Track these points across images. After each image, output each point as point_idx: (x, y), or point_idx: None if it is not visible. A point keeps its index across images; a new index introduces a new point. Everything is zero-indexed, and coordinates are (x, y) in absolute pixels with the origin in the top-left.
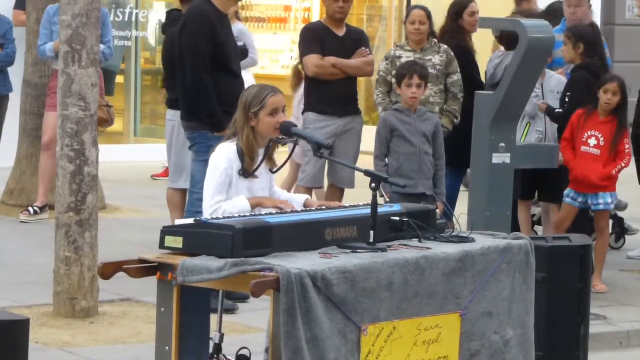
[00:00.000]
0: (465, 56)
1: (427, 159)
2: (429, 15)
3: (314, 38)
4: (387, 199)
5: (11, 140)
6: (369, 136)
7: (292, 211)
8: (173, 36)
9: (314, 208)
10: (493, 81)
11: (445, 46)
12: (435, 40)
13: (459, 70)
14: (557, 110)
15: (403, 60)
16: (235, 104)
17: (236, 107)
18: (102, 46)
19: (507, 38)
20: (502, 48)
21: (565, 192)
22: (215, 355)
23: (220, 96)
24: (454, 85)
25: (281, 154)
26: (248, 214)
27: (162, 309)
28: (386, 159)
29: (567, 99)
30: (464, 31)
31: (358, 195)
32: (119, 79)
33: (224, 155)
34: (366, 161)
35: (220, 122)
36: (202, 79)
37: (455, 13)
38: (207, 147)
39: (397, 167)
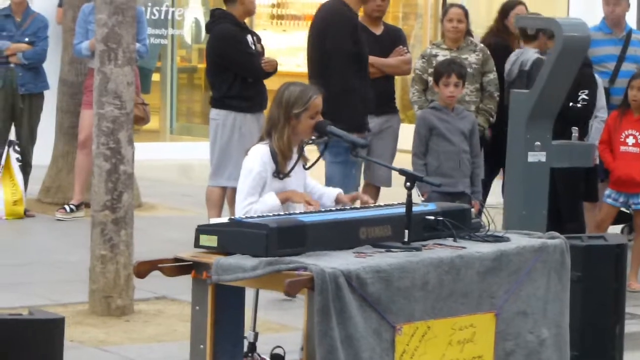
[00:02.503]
0: (504, 55)
1: (465, 158)
2: (466, 14)
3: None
4: (423, 199)
5: (48, 138)
6: (405, 135)
7: (326, 210)
8: (217, 34)
9: (347, 205)
10: (510, 79)
11: (482, 45)
12: (472, 39)
13: (495, 69)
14: (572, 105)
15: (439, 58)
16: (368, 105)
17: (369, 110)
18: (137, 44)
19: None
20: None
21: (606, 192)
22: (249, 354)
23: (362, 98)
24: (490, 84)
25: (311, 152)
26: (282, 213)
27: (197, 307)
28: (425, 158)
29: (585, 96)
30: (508, 31)
31: (395, 194)
32: (155, 77)
33: (259, 158)
34: (403, 160)
35: (363, 124)
36: (348, 80)
37: (503, 12)
38: (343, 149)
39: (437, 166)
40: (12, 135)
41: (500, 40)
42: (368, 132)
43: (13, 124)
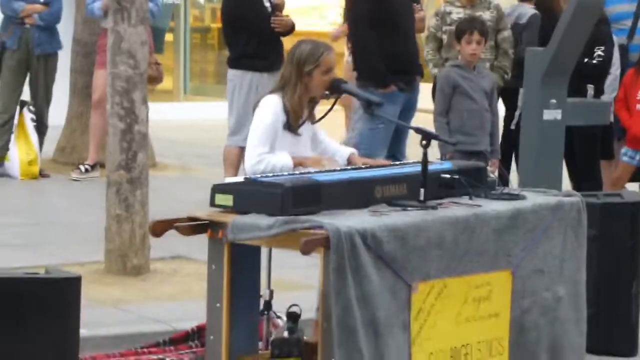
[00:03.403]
0: (547, 16)
1: (488, 116)
2: None
3: None
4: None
5: (62, 98)
6: (422, 94)
7: (341, 169)
8: None
9: (357, 165)
10: None
11: (496, 2)
12: None
13: (509, 26)
14: (587, 61)
15: (453, 16)
16: (405, 62)
17: (405, 66)
18: (149, 4)
19: None
20: None
21: (623, 151)
22: (265, 312)
23: (387, 55)
24: (504, 42)
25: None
26: (297, 172)
27: (213, 266)
28: (447, 116)
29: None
30: None
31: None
32: (168, 37)
33: (271, 109)
34: (421, 119)
35: (383, 78)
36: (362, 35)
37: None
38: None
39: (459, 124)
40: (26, 96)
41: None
42: (402, 89)
43: (28, 84)
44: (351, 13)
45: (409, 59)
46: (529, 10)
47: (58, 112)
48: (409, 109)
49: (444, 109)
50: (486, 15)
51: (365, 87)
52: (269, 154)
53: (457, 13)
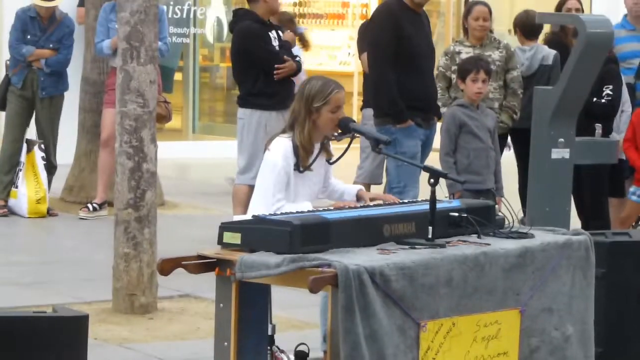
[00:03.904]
0: (562, 53)
1: (492, 155)
2: (490, 11)
3: None
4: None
5: (70, 137)
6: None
7: (349, 207)
8: (239, 32)
9: (368, 202)
10: (528, 73)
11: (505, 42)
12: (494, 35)
13: (518, 66)
14: (596, 100)
15: (463, 56)
16: (423, 99)
17: (422, 104)
18: (159, 43)
19: (521, 27)
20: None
21: (631, 190)
22: (269, 348)
23: (405, 91)
24: (513, 81)
25: (337, 150)
26: (306, 210)
27: (221, 304)
28: (454, 156)
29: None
30: (564, 29)
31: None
32: (177, 76)
33: (281, 152)
34: (430, 157)
35: (401, 113)
36: (382, 71)
37: (556, 8)
38: (392, 142)
39: (467, 164)
40: (31, 135)
41: (556, 37)
42: (419, 125)
43: (35, 124)
44: (372, 50)
45: (427, 98)
46: (550, 50)
47: (66, 150)
48: (425, 146)
49: (451, 149)
50: (495, 55)
51: (383, 123)
52: (288, 204)
53: (467, 53)
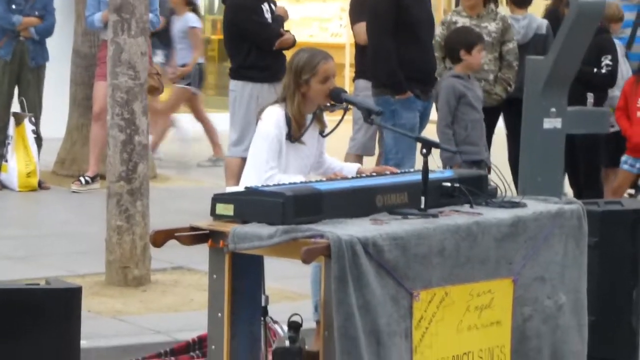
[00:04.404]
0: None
1: (484, 125)
2: None
3: (364, 5)
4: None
5: (62, 111)
6: None
7: (342, 178)
8: (232, 4)
9: (365, 175)
10: (523, 42)
11: (503, 14)
12: (493, 7)
13: (515, 38)
14: (597, 71)
15: (459, 25)
16: (422, 71)
17: (422, 75)
18: (149, 15)
19: None
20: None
21: (623, 159)
22: (262, 318)
23: (404, 62)
24: (509, 54)
25: (331, 122)
26: (298, 182)
27: (214, 276)
28: (452, 127)
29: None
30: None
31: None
32: None
33: (274, 121)
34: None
35: (400, 84)
36: (381, 41)
37: None
38: (390, 113)
39: (465, 135)
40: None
41: (554, 8)
42: (418, 96)
43: (19, 96)
44: (371, 20)
45: (427, 68)
46: (543, 20)
47: (58, 124)
48: (423, 118)
49: (450, 120)
50: (492, 27)
51: (381, 94)
52: (280, 174)
53: (463, 23)
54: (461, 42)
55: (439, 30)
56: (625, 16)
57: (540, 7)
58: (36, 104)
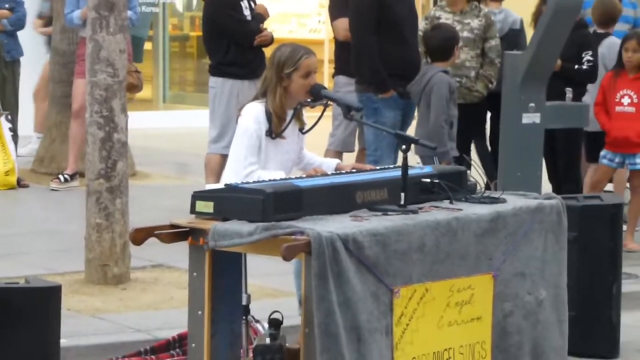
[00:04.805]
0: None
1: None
2: None
3: (344, 2)
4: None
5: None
6: None
7: (322, 174)
8: (212, 2)
9: (345, 171)
10: (500, 36)
11: (486, 10)
12: (477, 3)
13: (497, 35)
14: (578, 67)
15: (442, 21)
16: (406, 68)
17: (406, 72)
18: (128, 12)
19: None
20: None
21: (602, 153)
22: (243, 317)
23: (388, 60)
24: (491, 51)
25: (310, 118)
26: (278, 178)
27: (195, 273)
28: None
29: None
30: None
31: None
32: (147, 45)
33: (253, 116)
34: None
35: (383, 82)
36: (365, 39)
37: None
38: (373, 110)
39: (449, 131)
40: None
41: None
42: (401, 94)
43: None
44: (354, 18)
45: (410, 65)
46: (517, 15)
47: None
48: (407, 116)
49: (447, 116)
50: (474, 23)
51: (364, 91)
52: (260, 170)
53: (447, 19)
54: (456, 38)
55: (422, 25)
56: (624, 11)
57: (516, 2)
58: (12, 101)
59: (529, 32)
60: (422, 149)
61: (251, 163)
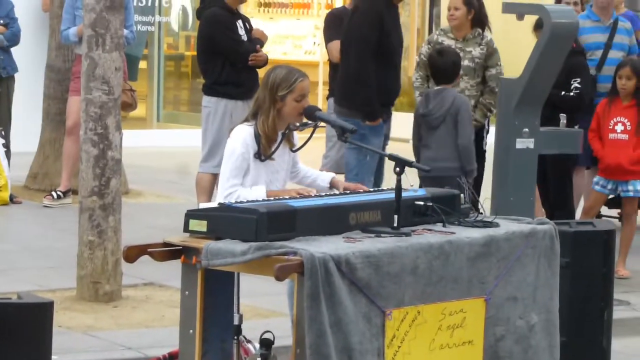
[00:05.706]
0: None
1: None
2: (466, 1)
3: (339, 24)
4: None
5: (35, 125)
6: (396, 122)
7: (316, 195)
8: (206, 19)
9: (338, 192)
10: None
11: (489, 37)
12: (480, 30)
13: (499, 63)
14: (564, 94)
15: (445, 47)
16: (392, 95)
17: (391, 99)
18: (125, 31)
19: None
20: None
21: (595, 179)
22: (235, 337)
23: (380, 87)
24: (491, 79)
25: (302, 139)
26: (272, 198)
27: (187, 292)
28: None
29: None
30: None
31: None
32: (142, 64)
33: (241, 139)
34: (395, 147)
35: (375, 112)
36: (365, 67)
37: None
38: (360, 137)
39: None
40: None
41: None
42: (385, 120)
43: None
44: (358, 45)
45: (395, 92)
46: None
47: (31, 138)
48: (386, 137)
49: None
50: (476, 52)
51: (350, 115)
52: (242, 188)
53: (448, 45)
54: (460, 62)
55: (424, 49)
56: (598, 38)
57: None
58: (6, 117)
59: None
60: (445, 169)
61: (232, 185)
